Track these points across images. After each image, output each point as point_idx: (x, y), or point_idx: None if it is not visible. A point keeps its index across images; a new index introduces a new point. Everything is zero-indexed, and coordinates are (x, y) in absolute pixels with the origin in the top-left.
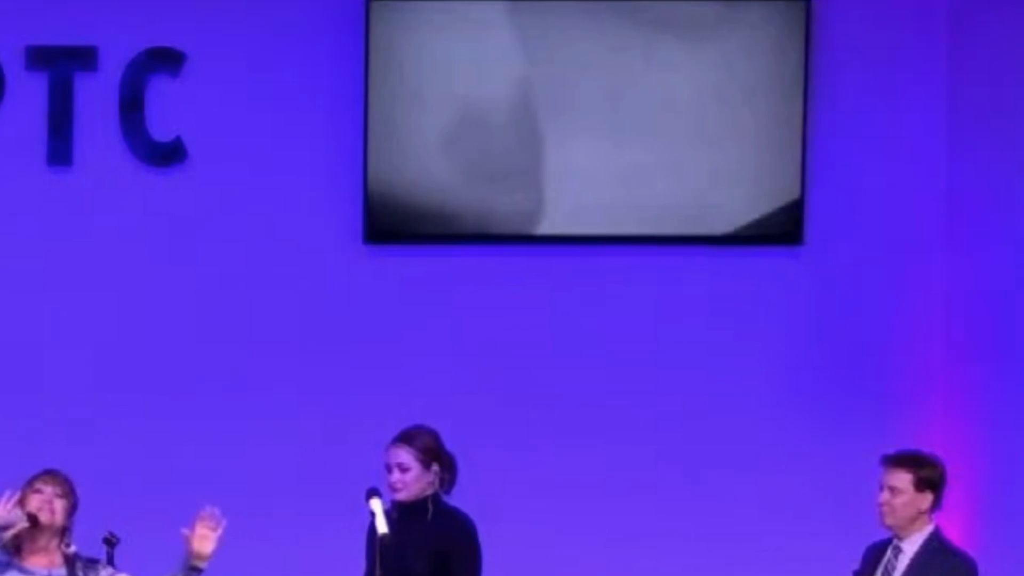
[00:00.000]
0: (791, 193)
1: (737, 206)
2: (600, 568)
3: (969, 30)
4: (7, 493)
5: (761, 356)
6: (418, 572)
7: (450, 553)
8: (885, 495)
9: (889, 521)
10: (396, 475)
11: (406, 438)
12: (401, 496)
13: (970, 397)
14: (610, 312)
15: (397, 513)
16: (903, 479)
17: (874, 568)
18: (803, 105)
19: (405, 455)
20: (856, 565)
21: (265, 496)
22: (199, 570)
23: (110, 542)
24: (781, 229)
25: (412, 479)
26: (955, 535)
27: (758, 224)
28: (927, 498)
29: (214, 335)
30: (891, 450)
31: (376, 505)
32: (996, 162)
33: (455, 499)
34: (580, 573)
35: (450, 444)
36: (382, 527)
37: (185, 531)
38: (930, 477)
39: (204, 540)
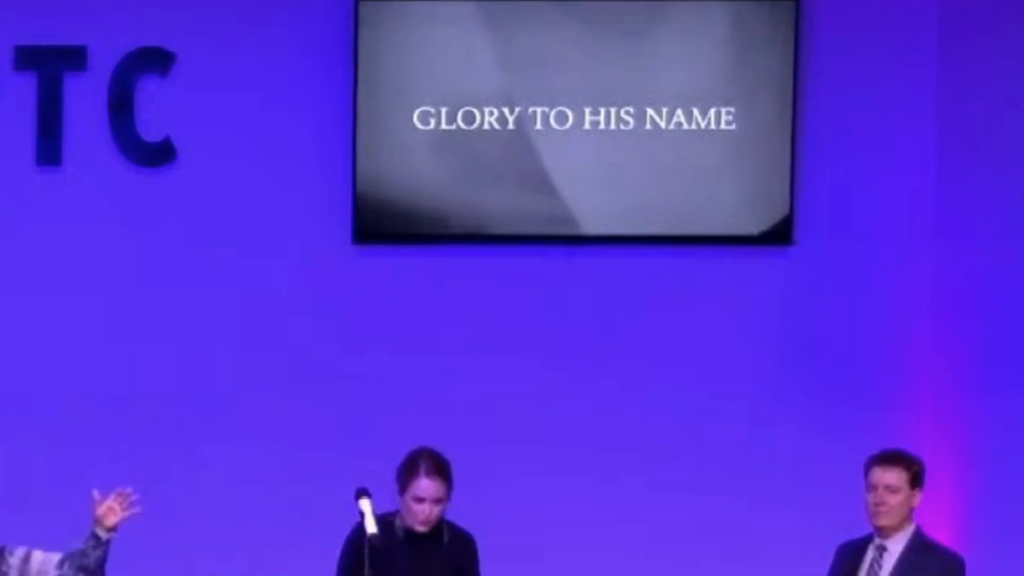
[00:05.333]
0: (781, 195)
1: (726, 207)
2: (594, 562)
3: (959, 32)
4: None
5: (752, 355)
6: None
7: (463, 572)
8: (881, 494)
9: (884, 521)
10: (428, 508)
11: (439, 470)
12: (425, 528)
13: (958, 396)
14: (601, 312)
15: (405, 536)
16: (900, 477)
17: (855, 568)
18: (792, 106)
19: (444, 490)
20: None
21: (255, 497)
22: (100, 539)
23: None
24: (771, 230)
25: (441, 511)
26: (942, 534)
27: (747, 225)
28: (917, 495)
29: (204, 335)
30: (874, 451)
31: (365, 505)
32: (985, 162)
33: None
34: (575, 570)
35: (441, 447)
36: (371, 527)
37: (96, 494)
38: (919, 474)
39: (110, 513)
